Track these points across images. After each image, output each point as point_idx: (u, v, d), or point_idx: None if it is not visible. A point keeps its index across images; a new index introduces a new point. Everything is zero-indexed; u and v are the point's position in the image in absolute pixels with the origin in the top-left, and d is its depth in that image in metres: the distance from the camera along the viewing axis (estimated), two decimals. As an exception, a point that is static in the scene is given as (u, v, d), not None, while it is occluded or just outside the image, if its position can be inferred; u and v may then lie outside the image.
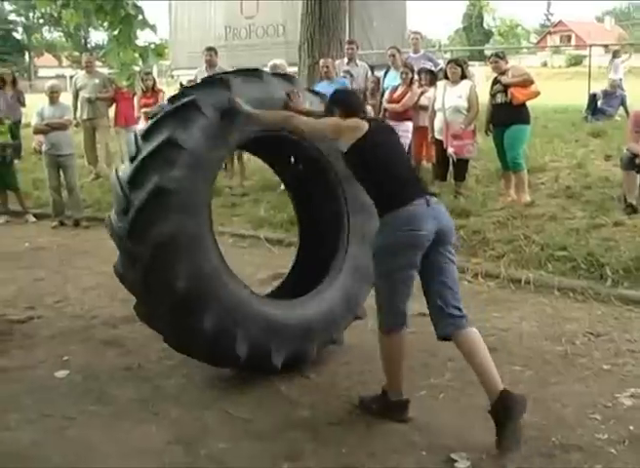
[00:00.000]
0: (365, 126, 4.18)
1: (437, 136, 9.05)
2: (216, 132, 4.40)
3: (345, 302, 4.99)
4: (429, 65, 10.25)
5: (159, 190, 4.15)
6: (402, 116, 9.37)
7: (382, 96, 9.88)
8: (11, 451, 3.93)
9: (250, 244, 8.46)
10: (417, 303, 6.06)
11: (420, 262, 4.02)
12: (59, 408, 4.42)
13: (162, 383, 4.75)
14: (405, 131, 9.33)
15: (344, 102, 4.40)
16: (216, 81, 4.64)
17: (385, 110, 9.52)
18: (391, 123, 9.28)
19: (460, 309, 4.05)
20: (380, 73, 11.07)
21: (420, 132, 9.62)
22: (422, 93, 9.42)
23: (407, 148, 9.48)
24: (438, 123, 8.99)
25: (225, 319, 4.32)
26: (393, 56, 10.28)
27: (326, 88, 9.96)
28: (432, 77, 9.48)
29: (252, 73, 4.78)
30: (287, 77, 5.15)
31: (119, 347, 5.44)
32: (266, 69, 7.10)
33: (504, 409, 3.77)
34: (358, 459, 3.77)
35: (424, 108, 9.39)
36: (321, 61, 10.26)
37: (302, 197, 5.76)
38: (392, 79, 10.04)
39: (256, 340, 4.43)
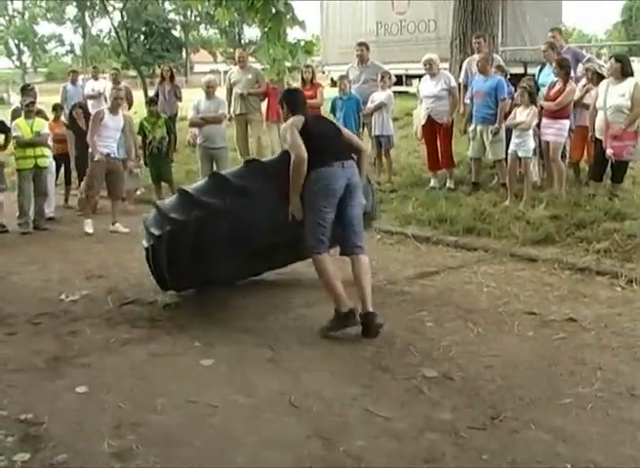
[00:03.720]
0: (302, 119, 5.63)
1: (597, 135, 8.60)
2: None
3: None
4: (589, 63, 9.71)
5: None
6: (557, 114, 8.95)
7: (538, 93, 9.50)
8: (157, 433, 4.06)
9: (397, 240, 8.35)
10: (567, 309, 5.94)
11: (336, 207, 5.47)
12: (203, 395, 4.53)
13: (304, 376, 4.78)
14: (560, 129, 8.96)
15: (289, 101, 5.88)
16: None
17: (542, 108, 9.12)
18: (546, 121, 9.03)
19: (360, 246, 5.60)
20: (533, 70, 10.77)
21: (580, 131, 9.21)
22: (587, 91, 9.02)
23: (562, 147, 9.14)
24: (599, 122, 8.51)
25: None
26: (550, 49, 9.88)
27: (481, 83, 9.81)
28: (599, 78, 8.94)
29: None
30: None
31: (257, 336, 5.53)
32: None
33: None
34: (499, 467, 3.65)
35: (587, 107, 8.94)
36: (476, 56, 10.08)
37: None
38: (546, 75, 9.70)
39: None
